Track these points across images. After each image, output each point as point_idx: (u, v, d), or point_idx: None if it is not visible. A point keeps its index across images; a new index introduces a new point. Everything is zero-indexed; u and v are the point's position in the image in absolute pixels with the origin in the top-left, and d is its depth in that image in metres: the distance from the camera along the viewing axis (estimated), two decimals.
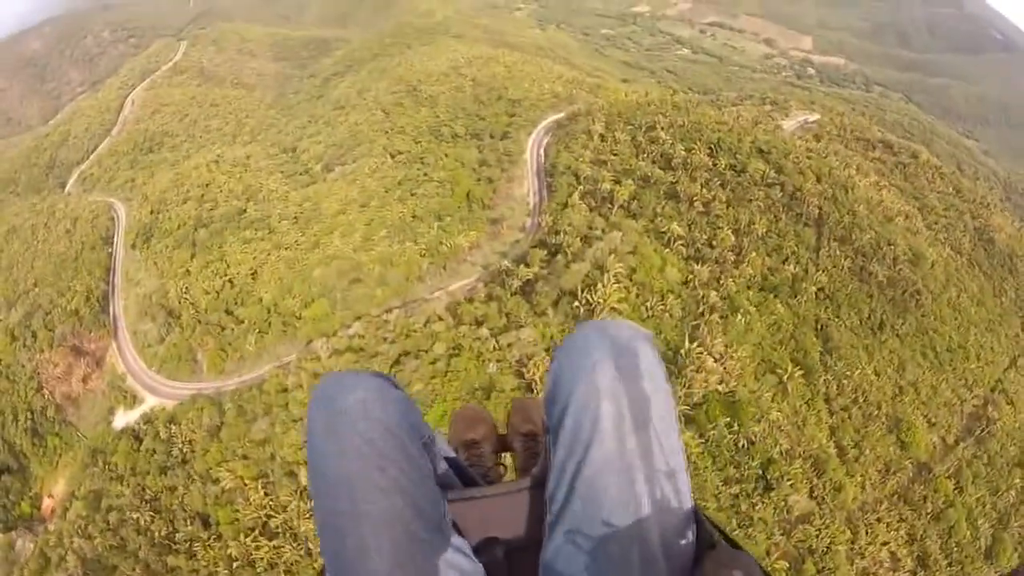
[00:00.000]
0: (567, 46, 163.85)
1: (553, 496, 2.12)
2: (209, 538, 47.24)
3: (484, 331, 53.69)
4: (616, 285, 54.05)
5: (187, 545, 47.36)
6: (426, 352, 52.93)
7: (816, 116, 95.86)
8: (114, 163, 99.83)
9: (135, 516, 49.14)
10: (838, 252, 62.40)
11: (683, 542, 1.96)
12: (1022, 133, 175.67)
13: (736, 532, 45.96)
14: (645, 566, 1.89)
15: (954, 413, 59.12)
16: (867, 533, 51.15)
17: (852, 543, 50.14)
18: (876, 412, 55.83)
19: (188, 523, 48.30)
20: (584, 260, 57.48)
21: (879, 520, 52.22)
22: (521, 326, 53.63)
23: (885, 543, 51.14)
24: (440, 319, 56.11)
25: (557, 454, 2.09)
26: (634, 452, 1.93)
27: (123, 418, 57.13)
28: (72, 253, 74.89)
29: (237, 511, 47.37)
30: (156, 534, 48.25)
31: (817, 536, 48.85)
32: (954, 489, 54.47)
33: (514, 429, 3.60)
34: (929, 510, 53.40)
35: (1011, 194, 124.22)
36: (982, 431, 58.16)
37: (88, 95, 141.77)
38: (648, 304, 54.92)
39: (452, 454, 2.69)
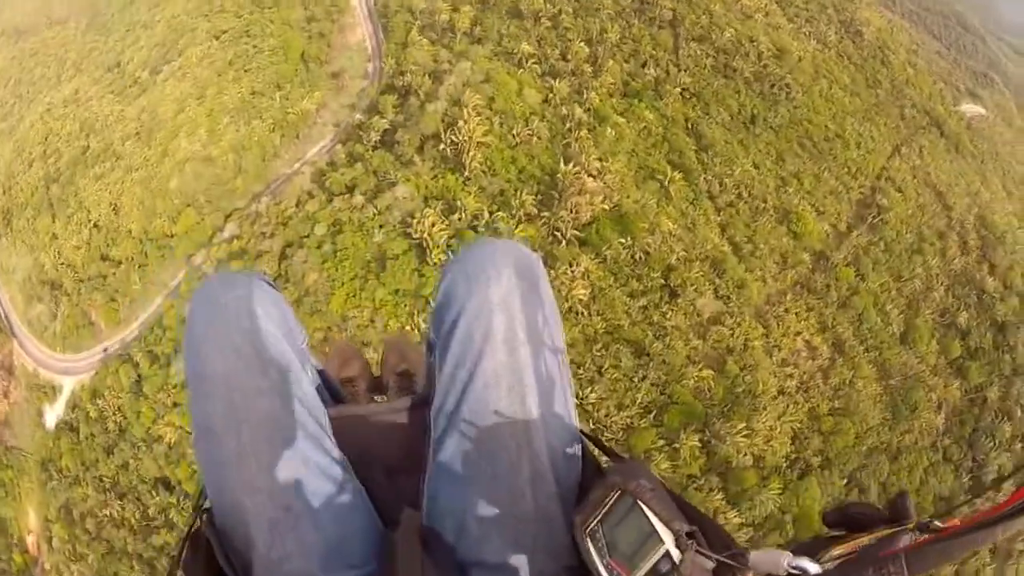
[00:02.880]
0: None
1: (440, 409, 2.05)
2: (178, 501, 45.21)
3: (358, 198, 50.50)
4: (477, 118, 50.67)
5: (163, 517, 45.49)
6: (308, 237, 49.80)
7: None
8: None
9: (107, 512, 47.03)
10: (698, 52, 60.28)
11: (571, 459, 1.96)
12: None
13: (655, 344, 45.81)
14: (535, 479, 1.87)
15: (842, 201, 59.11)
16: (779, 326, 50.90)
17: (766, 337, 49.84)
18: (763, 205, 55.04)
19: (153, 494, 46.38)
20: (438, 98, 53.69)
21: (787, 311, 52.08)
22: (393, 183, 50.49)
23: (798, 333, 51.12)
24: (311, 196, 52.45)
25: (446, 366, 2.01)
26: (525, 367, 1.90)
27: (52, 415, 53.30)
28: None
29: (192, 464, 44.58)
30: (132, 520, 46.49)
31: (731, 335, 48.26)
32: (856, 276, 54.68)
33: (389, 368, 3.46)
34: (835, 298, 53.49)
35: None
36: (874, 218, 58.27)
37: None
38: (514, 131, 51.77)
39: (321, 367, 2.51)
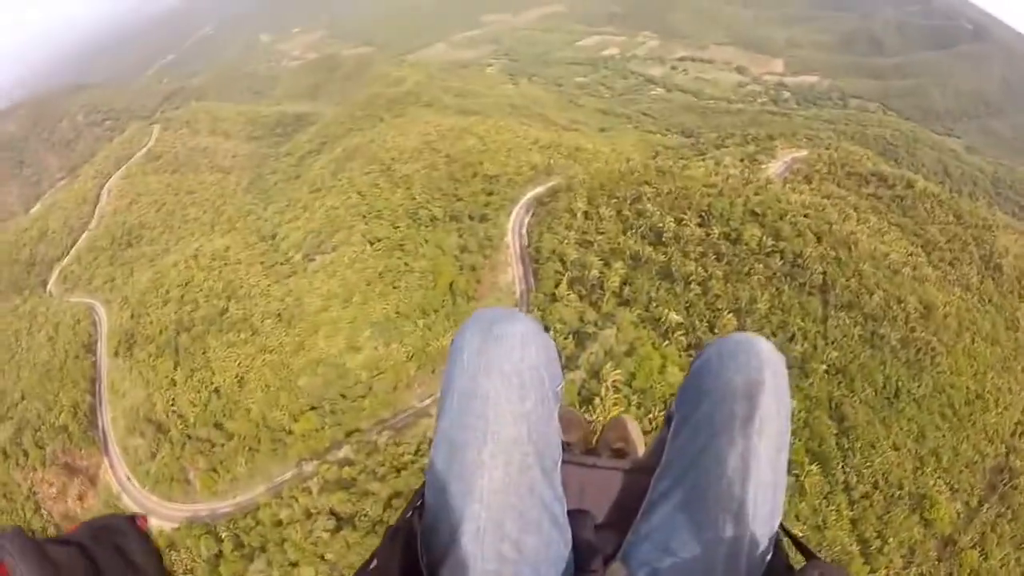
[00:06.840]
0: (540, 100, 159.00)
1: (664, 474, 2.29)
2: None
3: None
4: (615, 396, 49.37)
5: None
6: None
7: (803, 152, 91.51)
8: (93, 259, 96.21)
9: None
10: (847, 320, 57.80)
11: (766, 550, 2.10)
12: (1001, 120, 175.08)
13: None
14: (729, 559, 2.05)
15: (976, 472, 54.63)
16: None
17: None
18: (898, 493, 51.44)
19: None
20: (578, 367, 52.29)
21: None
22: None
23: None
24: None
25: (680, 437, 2.27)
26: (753, 454, 2.07)
27: None
28: (56, 363, 70.85)
29: None
30: None
31: None
32: (979, 557, 50.35)
33: (605, 443, 3.66)
34: None
35: (1000, 188, 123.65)
36: (1005, 485, 53.93)
37: (66, 184, 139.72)
38: (652, 415, 49.17)
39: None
